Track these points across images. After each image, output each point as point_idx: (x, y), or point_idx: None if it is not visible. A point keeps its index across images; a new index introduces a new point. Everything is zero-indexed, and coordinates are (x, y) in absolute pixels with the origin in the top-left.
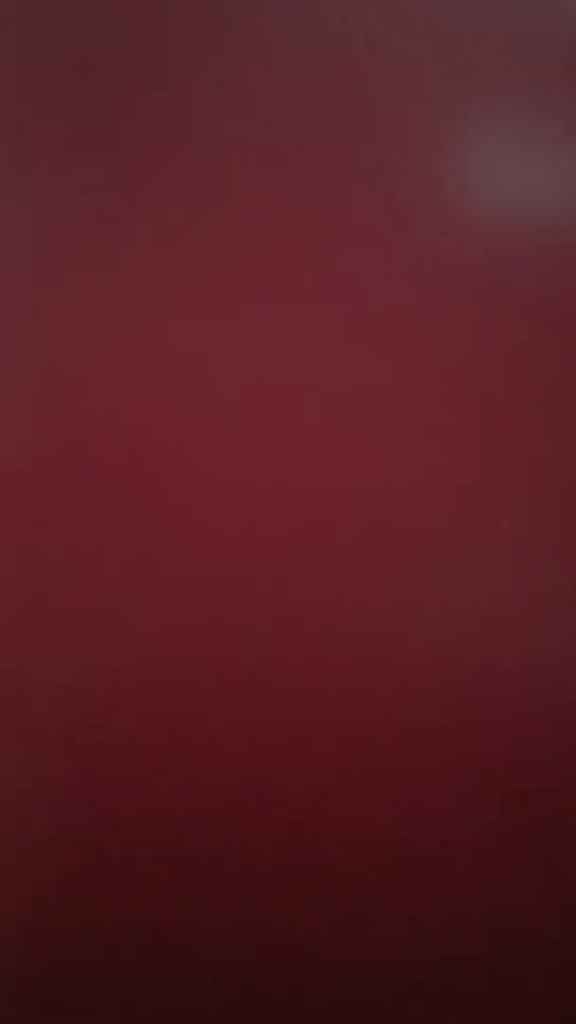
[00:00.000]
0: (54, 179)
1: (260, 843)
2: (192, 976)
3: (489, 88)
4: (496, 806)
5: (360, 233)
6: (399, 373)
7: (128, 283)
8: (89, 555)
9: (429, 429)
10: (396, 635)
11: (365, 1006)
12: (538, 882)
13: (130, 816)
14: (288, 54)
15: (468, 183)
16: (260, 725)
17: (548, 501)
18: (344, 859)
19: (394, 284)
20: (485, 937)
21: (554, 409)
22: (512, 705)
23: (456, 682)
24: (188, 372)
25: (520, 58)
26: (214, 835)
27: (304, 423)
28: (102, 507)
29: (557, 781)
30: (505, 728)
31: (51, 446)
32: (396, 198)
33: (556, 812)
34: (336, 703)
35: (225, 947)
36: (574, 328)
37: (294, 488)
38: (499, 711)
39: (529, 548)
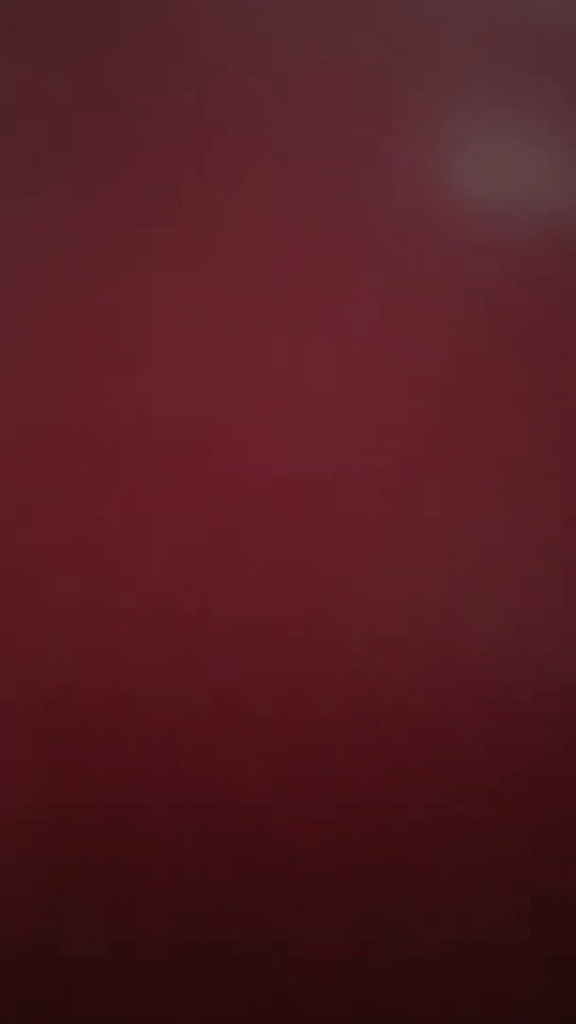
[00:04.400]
0: (51, 183)
1: (249, 824)
2: (179, 958)
3: (491, 90)
4: (492, 786)
5: (359, 235)
6: (399, 377)
7: (128, 286)
8: (84, 548)
9: (429, 430)
10: (391, 627)
11: (356, 984)
12: (527, 853)
13: (112, 792)
14: (286, 55)
15: (468, 186)
16: (252, 712)
17: (549, 503)
18: (340, 839)
19: (394, 286)
20: (473, 919)
21: (554, 410)
22: (506, 687)
23: (451, 670)
24: (185, 374)
25: (522, 60)
26: (203, 815)
27: (303, 430)
28: (100, 500)
29: (553, 764)
30: (499, 707)
31: (49, 437)
32: (396, 203)
33: (551, 797)
34: (334, 696)
35: (217, 936)
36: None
37: (292, 495)
38: (495, 692)
39: (527, 547)
